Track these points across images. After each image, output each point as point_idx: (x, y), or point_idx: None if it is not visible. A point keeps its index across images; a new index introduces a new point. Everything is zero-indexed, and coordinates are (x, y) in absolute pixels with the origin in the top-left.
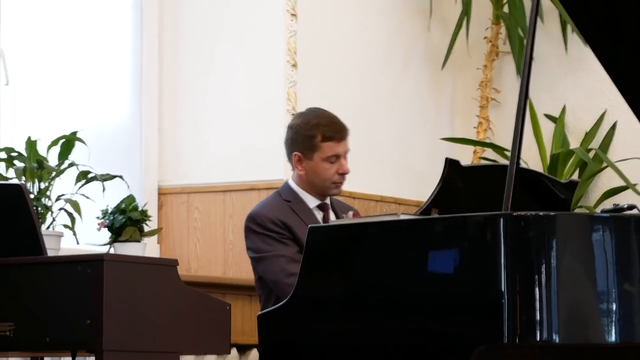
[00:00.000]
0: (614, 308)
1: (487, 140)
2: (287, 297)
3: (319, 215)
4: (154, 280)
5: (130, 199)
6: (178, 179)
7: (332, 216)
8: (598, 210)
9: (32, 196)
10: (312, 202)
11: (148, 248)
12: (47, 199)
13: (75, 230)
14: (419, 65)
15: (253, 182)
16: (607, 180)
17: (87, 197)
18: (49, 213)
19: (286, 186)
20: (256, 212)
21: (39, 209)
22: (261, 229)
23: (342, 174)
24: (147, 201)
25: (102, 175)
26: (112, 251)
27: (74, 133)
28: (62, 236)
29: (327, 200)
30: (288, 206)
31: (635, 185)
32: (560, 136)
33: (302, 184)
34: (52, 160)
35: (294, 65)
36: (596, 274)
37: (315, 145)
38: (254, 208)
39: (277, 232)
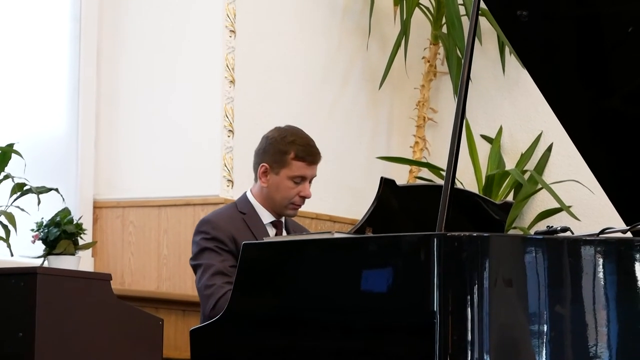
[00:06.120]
0: (545, 330)
1: (423, 160)
2: (207, 308)
3: (271, 231)
4: (87, 294)
5: (65, 212)
6: (113, 192)
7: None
8: (532, 231)
9: None
10: (267, 217)
11: (82, 261)
12: None
13: (10, 243)
14: (357, 84)
15: (188, 198)
16: (541, 201)
17: (22, 210)
18: None
19: (244, 198)
20: (207, 219)
21: None
22: (204, 237)
23: (303, 197)
24: (82, 214)
25: (38, 187)
26: (46, 264)
27: (11, 145)
28: None
29: (282, 219)
30: (242, 218)
31: (569, 207)
32: (496, 157)
33: (261, 198)
34: None
35: (232, 82)
36: (528, 296)
37: (286, 161)
38: (208, 215)
39: (220, 241)
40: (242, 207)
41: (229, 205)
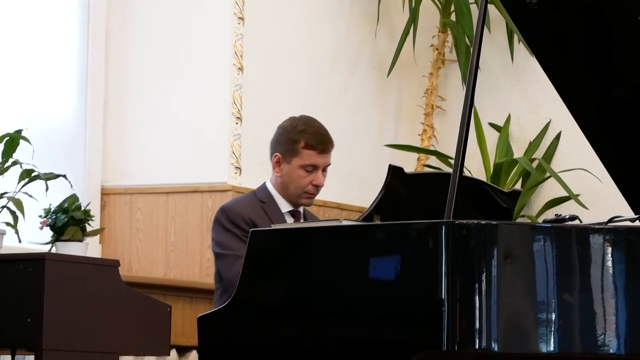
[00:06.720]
0: (554, 318)
1: (432, 148)
2: None
3: (289, 221)
4: (95, 280)
5: (73, 198)
6: (121, 179)
7: None
8: (540, 220)
9: None
10: (285, 206)
11: (90, 248)
12: None
13: (18, 229)
14: (365, 72)
15: (196, 185)
16: (549, 190)
17: (30, 196)
18: None
19: (263, 187)
20: (228, 206)
21: None
22: (229, 224)
23: (316, 186)
24: (90, 201)
25: (46, 174)
26: (54, 250)
27: (19, 131)
28: (4, 234)
29: (300, 209)
30: (261, 206)
31: (577, 195)
32: (504, 145)
33: (278, 187)
34: None
35: (240, 69)
36: (536, 284)
37: (297, 150)
38: (227, 202)
39: (243, 229)
40: (261, 196)
41: (249, 194)
